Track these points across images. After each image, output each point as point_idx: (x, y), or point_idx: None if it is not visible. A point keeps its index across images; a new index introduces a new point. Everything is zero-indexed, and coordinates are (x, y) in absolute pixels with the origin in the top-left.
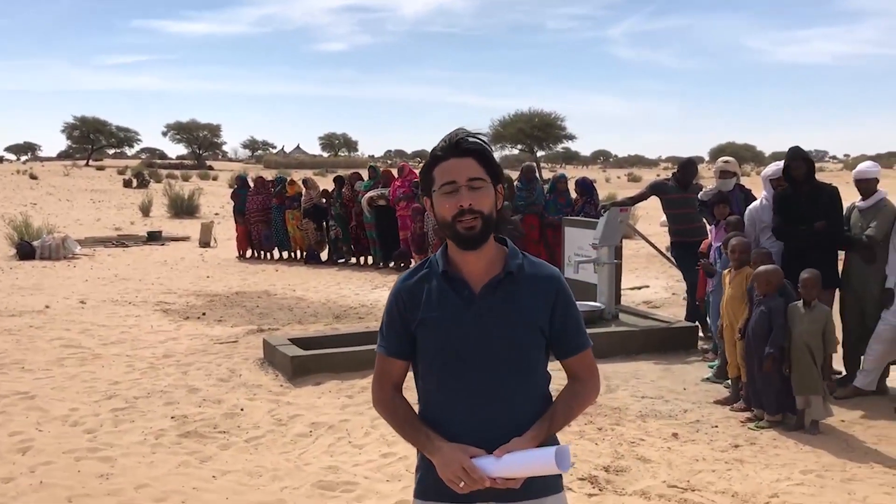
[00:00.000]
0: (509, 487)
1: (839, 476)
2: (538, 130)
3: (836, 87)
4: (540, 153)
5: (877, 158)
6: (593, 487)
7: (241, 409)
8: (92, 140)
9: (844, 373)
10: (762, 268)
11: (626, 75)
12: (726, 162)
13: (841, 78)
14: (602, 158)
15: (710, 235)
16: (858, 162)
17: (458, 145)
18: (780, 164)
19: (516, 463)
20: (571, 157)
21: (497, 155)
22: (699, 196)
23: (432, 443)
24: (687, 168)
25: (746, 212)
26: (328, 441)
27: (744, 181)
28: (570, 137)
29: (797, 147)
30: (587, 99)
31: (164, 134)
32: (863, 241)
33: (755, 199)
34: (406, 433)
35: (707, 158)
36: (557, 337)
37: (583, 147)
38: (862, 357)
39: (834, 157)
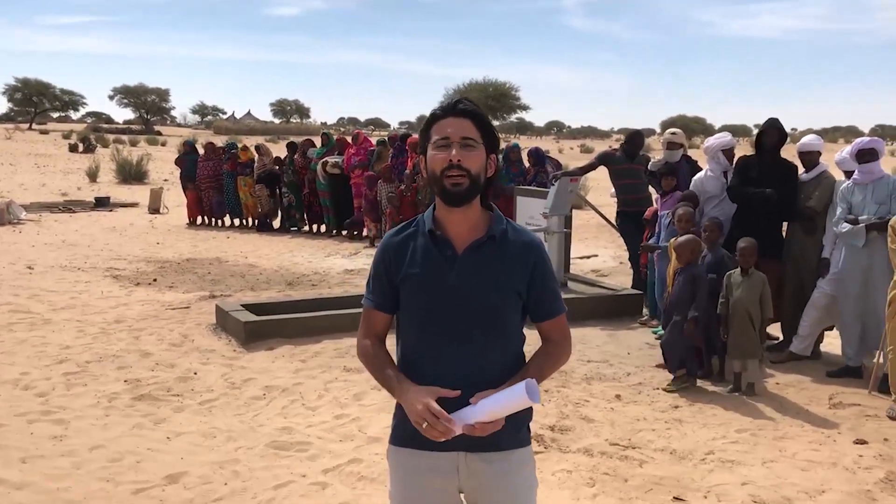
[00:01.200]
0: (493, 430)
1: (771, 434)
2: (493, 100)
3: (785, 61)
4: (494, 123)
5: (822, 133)
6: (539, 445)
7: (195, 373)
8: (35, 103)
9: (781, 338)
10: (682, 238)
11: (579, 46)
12: (673, 133)
13: (789, 52)
14: (555, 129)
15: (656, 205)
16: (805, 136)
17: (455, 106)
18: (727, 135)
19: (491, 404)
20: (525, 128)
21: None
22: (648, 167)
23: (401, 385)
24: (634, 139)
25: (692, 182)
26: (282, 403)
27: (695, 153)
28: (524, 108)
29: (775, 119)
30: (541, 69)
31: (111, 98)
32: (805, 212)
33: (701, 169)
34: (381, 379)
35: (658, 130)
36: (534, 301)
37: (536, 118)
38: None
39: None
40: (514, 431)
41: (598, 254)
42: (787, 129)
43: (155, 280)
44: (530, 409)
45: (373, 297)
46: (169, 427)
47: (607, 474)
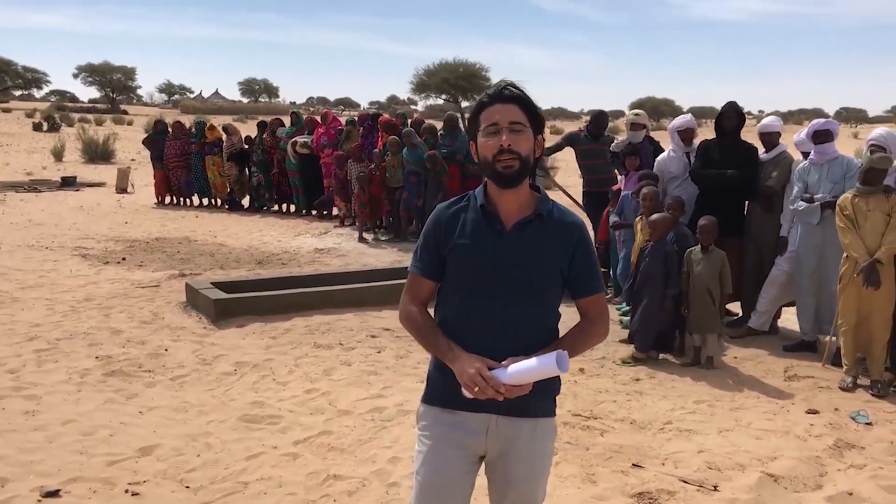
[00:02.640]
0: (520, 394)
1: (728, 405)
2: (463, 80)
3: (753, 44)
4: (465, 104)
5: (788, 115)
6: None
7: (166, 350)
8: None
9: (742, 314)
10: (657, 215)
11: (550, 27)
12: (637, 115)
13: (757, 35)
14: None
15: (620, 185)
16: (771, 116)
17: (502, 92)
18: (687, 116)
19: (522, 369)
20: None
21: (421, 105)
22: (611, 147)
23: (453, 351)
24: (598, 120)
25: (655, 162)
26: (252, 379)
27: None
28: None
29: (734, 102)
30: (512, 50)
31: (76, 76)
32: (764, 191)
33: (663, 150)
34: (428, 342)
35: (627, 112)
36: (574, 278)
37: None
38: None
39: (749, 113)
40: (543, 400)
41: None
42: (755, 111)
43: (124, 259)
44: (559, 382)
45: (420, 265)
46: (141, 402)
47: (570, 443)
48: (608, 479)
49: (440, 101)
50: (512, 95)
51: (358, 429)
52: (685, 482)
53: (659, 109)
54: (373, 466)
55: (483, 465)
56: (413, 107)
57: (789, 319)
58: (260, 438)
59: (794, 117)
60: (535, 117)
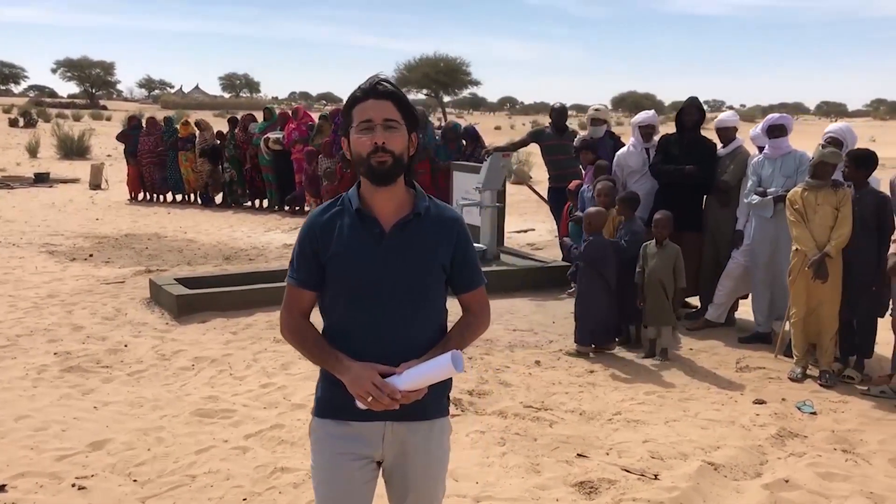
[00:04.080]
0: (416, 399)
1: (678, 396)
2: (443, 75)
3: (734, 37)
4: (446, 98)
5: (769, 109)
6: (456, 409)
7: (125, 346)
8: None
9: (700, 307)
10: (589, 209)
11: (532, 20)
12: (597, 110)
13: (739, 29)
14: (509, 105)
15: (584, 179)
16: (753, 112)
17: (376, 88)
18: (650, 112)
19: (417, 373)
20: (479, 104)
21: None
22: (574, 143)
23: (342, 363)
24: (558, 113)
25: (615, 157)
26: (210, 374)
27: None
28: (475, 83)
29: (695, 97)
30: (494, 43)
31: (54, 71)
32: (720, 185)
33: (624, 145)
34: (315, 356)
35: (609, 107)
36: (456, 274)
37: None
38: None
39: (731, 107)
40: (437, 400)
41: (535, 228)
42: (737, 106)
43: (91, 255)
44: (450, 379)
45: (297, 276)
46: (96, 397)
47: (518, 434)
48: (552, 469)
49: (421, 96)
50: (386, 91)
51: (310, 422)
52: (627, 471)
53: (641, 104)
54: None
55: (380, 469)
56: None
57: (746, 311)
58: (211, 432)
59: (775, 111)
60: (410, 115)
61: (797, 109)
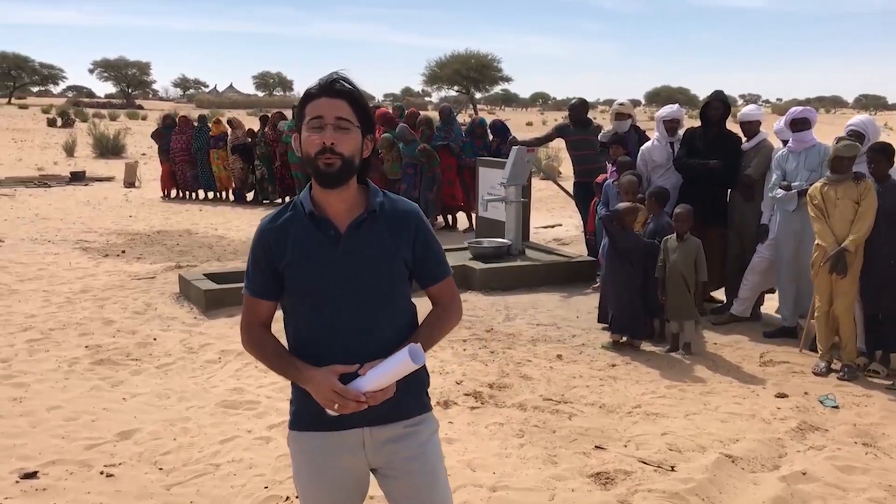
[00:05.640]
0: (385, 398)
1: (699, 390)
2: (474, 72)
3: (771, 30)
4: (478, 95)
5: (806, 103)
6: (476, 401)
7: (154, 339)
8: (13, 77)
9: (725, 301)
10: (619, 205)
11: (564, 15)
12: (621, 105)
13: (775, 22)
14: (541, 101)
15: (608, 174)
16: (790, 105)
17: (331, 85)
18: (674, 106)
19: (379, 372)
20: (510, 100)
21: (435, 96)
22: (599, 137)
23: (302, 372)
24: (576, 108)
25: (640, 151)
26: (236, 366)
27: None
28: (507, 79)
29: (720, 91)
30: (527, 40)
31: (91, 72)
32: (744, 180)
33: (648, 139)
34: (277, 367)
35: (643, 102)
36: (419, 267)
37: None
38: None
39: (767, 101)
40: (415, 397)
41: (562, 223)
42: (773, 100)
43: (123, 252)
44: (426, 375)
45: (253, 286)
46: (125, 388)
47: (537, 426)
48: (569, 461)
49: (453, 93)
50: (342, 90)
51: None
52: (644, 463)
53: (674, 98)
54: None
55: (372, 475)
56: (427, 98)
57: (772, 306)
58: (236, 423)
59: (812, 104)
60: (365, 116)
61: (835, 103)
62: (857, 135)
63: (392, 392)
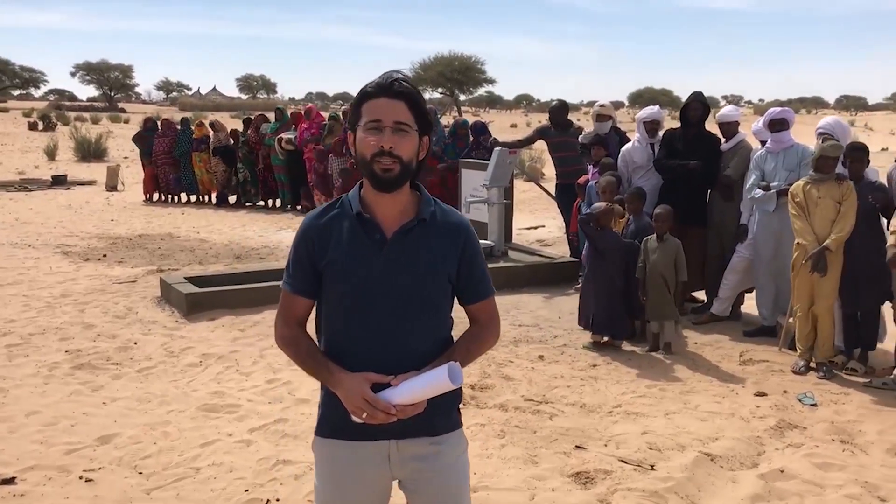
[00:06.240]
0: (415, 413)
1: (679, 389)
2: (458, 74)
3: (752, 32)
4: (462, 97)
5: (788, 103)
6: None
7: (135, 343)
8: None
9: (706, 301)
10: (595, 205)
11: (547, 17)
12: (602, 106)
13: (757, 23)
14: (525, 103)
15: (589, 175)
16: (772, 106)
17: (391, 86)
18: (654, 108)
19: (413, 386)
20: (495, 102)
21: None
22: (580, 139)
23: (333, 375)
24: (556, 111)
25: (620, 153)
26: (217, 370)
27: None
28: (490, 81)
29: (699, 92)
30: (511, 42)
31: (73, 75)
32: (723, 180)
33: (629, 140)
34: (309, 367)
35: (626, 103)
36: (463, 283)
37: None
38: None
39: (749, 102)
40: (446, 414)
41: (545, 224)
42: (755, 101)
43: (105, 256)
44: (460, 391)
45: (293, 282)
46: (105, 393)
47: (518, 427)
48: (549, 460)
49: (437, 95)
50: (402, 91)
51: (313, 416)
52: (624, 462)
53: (657, 100)
54: None
55: (397, 485)
56: None
57: (752, 306)
58: (217, 427)
59: (793, 105)
60: (423, 118)
61: (816, 103)
62: (828, 137)
63: (423, 407)
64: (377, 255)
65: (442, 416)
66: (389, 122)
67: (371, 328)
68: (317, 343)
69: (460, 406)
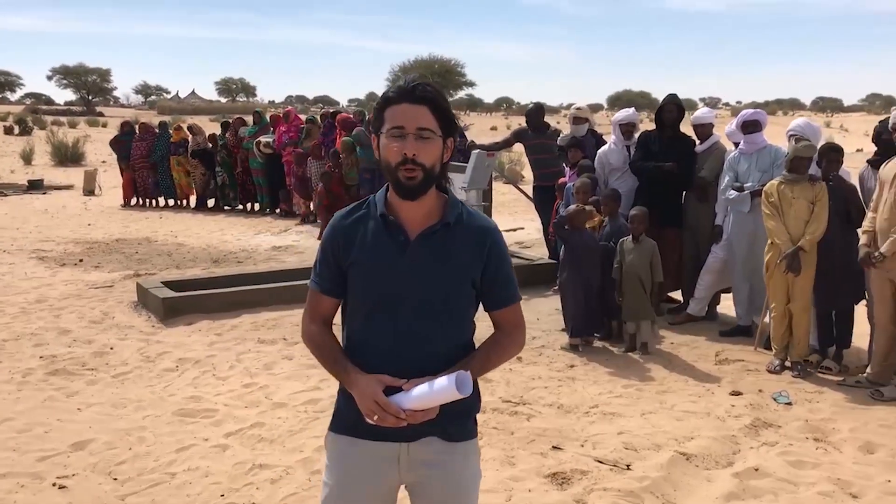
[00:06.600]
0: (425, 419)
1: (656, 389)
2: (438, 77)
3: (730, 34)
4: None
5: (764, 105)
6: None
7: (111, 348)
8: None
9: (682, 301)
10: (569, 208)
11: (526, 20)
12: (579, 109)
13: (734, 26)
14: (505, 105)
15: (567, 177)
16: (749, 108)
17: (413, 91)
18: (630, 110)
19: (422, 393)
20: (475, 104)
21: None
22: (557, 142)
23: (349, 375)
24: (533, 114)
25: (597, 155)
26: (193, 375)
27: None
28: (470, 84)
29: (674, 94)
30: (491, 45)
31: (50, 79)
32: (698, 182)
33: (606, 143)
34: (328, 365)
35: (605, 106)
36: (487, 289)
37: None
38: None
39: (727, 104)
40: (460, 422)
41: (524, 226)
42: (733, 102)
43: (81, 260)
44: (478, 400)
45: (319, 281)
46: (81, 399)
47: (495, 428)
48: (526, 461)
49: None
50: (424, 95)
51: (290, 420)
52: (600, 462)
53: (635, 102)
54: (299, 455)
55: (404, 488)
56: None
57: (729, 306)
58: (193, 431)
59: (770, 107)
60: (447, 121)
61: (793, 105)
62: (799, 138)
63: (434, 414)
64: (400, 256)
65: (455, 423)
66: (412, 129)
67: (390, 329)
68: (339, 339)
69: (477, 415)
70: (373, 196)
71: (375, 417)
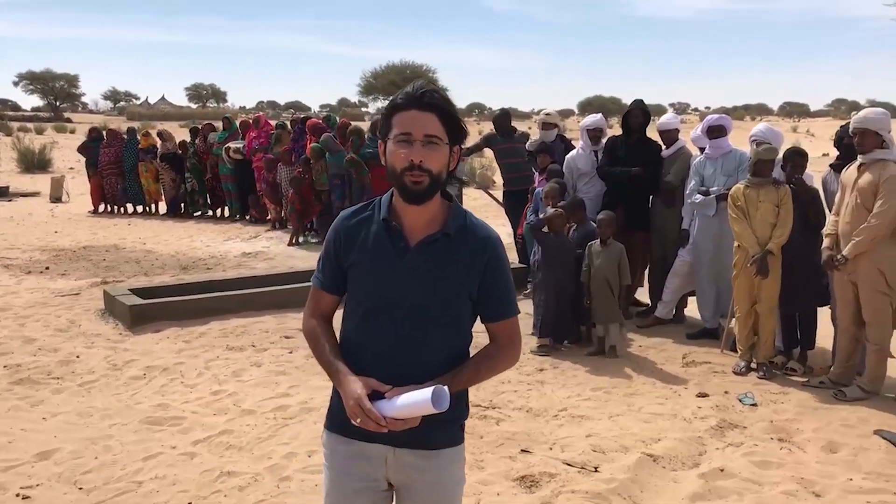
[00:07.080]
0: (408, 427)
1: (624, 391)
2: (409, 82)
3: (698, 40)
4: None
5: (733, 111)
6: None
7: (77, 357)
8: None
9: (650, 304)
10: (549, 211)
11: (498, 26)
12: (548, 115)
13: (702, 32)
14: (477, 111)
15: (536, 182)
16: (717, 113)
17: (421, 97)
18: (597, 116)
19: (400, 403)
20: None
21: (372, 107)
22: (526, 146)
23: (339, 375)
24: (500, 119)
25: (565, 160)
26: (161, 382)
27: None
28: (443, 89)
29: (640, 100)
30: (462, 50)
31: (16, 84)
32: (664, 186)
33: (574, 148)
34: (322, 363)
35: (576, 112)
36: (484, 300)
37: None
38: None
39: (696, 109)
40: (446, 430)
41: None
42: (702, 108)
43: (47, 268)
44: (465, 408)
45: (321, 277)
46: (46, 408)
47: (465, 433)
48: (495, 465)
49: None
50: (432, 102)
51: (259, 427)
52: (568, 465)
53: (606, 108)
54: (268, 462)
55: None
56: (364, 109)
57: (695, 308)
58: (160, 440)
59: (737, 112)
60: (454, 128)
61: (761, 110)
62: (762, 142)
63: (416, 423)
64: (398, 262)
65: (439, 430)
66: (419, 136)
67: (383, 334)
68: (336, 336)
69: (463, 423)
70: (378, 199)
71: (358, 420)
